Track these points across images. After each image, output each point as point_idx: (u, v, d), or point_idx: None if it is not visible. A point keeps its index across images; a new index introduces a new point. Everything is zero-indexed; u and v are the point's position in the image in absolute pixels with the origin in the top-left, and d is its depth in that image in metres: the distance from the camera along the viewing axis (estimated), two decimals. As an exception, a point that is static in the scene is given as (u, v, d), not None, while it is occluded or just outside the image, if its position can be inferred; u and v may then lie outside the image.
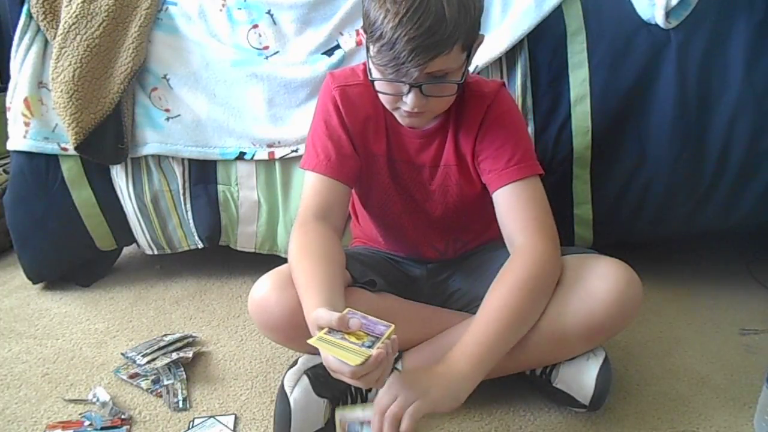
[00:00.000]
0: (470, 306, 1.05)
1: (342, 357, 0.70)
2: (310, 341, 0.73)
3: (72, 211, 1.36)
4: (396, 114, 0.94)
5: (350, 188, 1.02)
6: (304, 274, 0.86)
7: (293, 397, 0.89)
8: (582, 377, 0.93)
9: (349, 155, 1.00)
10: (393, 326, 0.75)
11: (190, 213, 1.38)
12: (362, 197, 1.12)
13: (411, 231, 1.10)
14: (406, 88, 0.86)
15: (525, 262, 0.89)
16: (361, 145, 1.02)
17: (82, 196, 1.36)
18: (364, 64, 1.02)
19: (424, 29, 0.78)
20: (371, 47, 0.85)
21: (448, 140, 1.00)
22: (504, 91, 1.01)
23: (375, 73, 0.89)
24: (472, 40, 0.87)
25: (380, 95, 0.92)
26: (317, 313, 0.76)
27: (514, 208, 0.94)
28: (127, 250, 1.57)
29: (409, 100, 0.87)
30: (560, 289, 0.90)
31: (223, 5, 1.34)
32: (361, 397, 0.94)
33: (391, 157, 1.03)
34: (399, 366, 0.97)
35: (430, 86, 0.86)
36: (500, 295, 0.87)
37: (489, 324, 0.85)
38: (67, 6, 1.31)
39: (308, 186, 1.01)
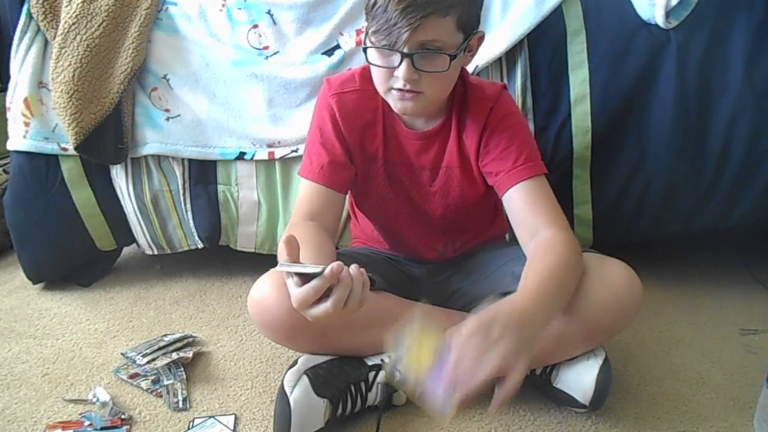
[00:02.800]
0: (470, 306, 1.05)
1: (297, 270, 0.69)
2: (273, 269, 0.72)
3: (72, 211, 1.36)
4: (390, 99, 0.93)
5: (343, 195, 1.03)
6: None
7: (293, 397, 0.89)
8: (582, 377, 0.93)
9: (342, 163, 1.00)
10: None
11: (190, 213, 1.38)
12: (358, 200, 1.12)
13: (409, 232, 1.10)
14: (397, 59, 0.85)
15: (561, 246, 0.87)
16: (358, 152, 1.02)
17: (82, 196, 1.36)
18: (362, 68, 1.03)
19: None
20: (369, 22, 0.87)
21: (450, 142, 1.00)
22: (506, 94, 1.01)
23: (368, 44, 0.89)
24: (468, 22, 0.87)
25: (374, 74, 0.92)
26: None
27: (530, 205, 0.94)
28: (127, 250, 1.57)
29: (400, 73, 0.86)
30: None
31: (223, 5, 1.34)
32: (362, 397, 0.94)
33: (388, 160, 1.03)
34: (399, 367, 0.97)
35: (422, 59, 0.85)
36: (543, 268, 0.84)
37: (536, 288, 0.80)
38: (67, 6, 1.31)
39: (301, 192, 1.02)
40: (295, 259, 0.73)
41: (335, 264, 0.68)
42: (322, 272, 0.67)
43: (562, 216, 0.94)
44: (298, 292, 0.71)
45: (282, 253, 0.75)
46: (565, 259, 0.86)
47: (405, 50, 0.84)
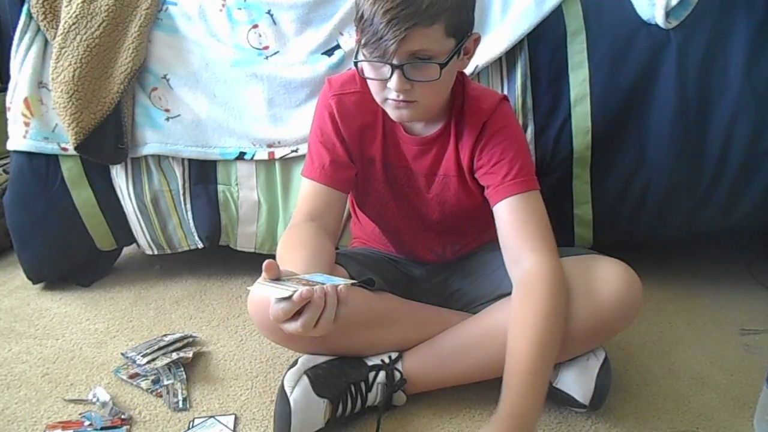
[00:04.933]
0: (470, 306, 1.05)
1: (270, 293, 0.69)
2: (250, 287, 0.72)
3: (72, 211, 1.36)
4: (387, 108, 0.93)
5: (345, 194, 1.02)
6: (284, 264, 0.86)
7: (293, 397, 0.89)
8: (582, 377, 0.93)
9: (343, 163, 1.00)
10: (349, 282, 0.72)
11: (190, 213, 1.38)
12: (358, 201, 1.12)
13: (407, 234, 1.10)
14: (388, 71, 0.85)
15: (545, 287, 0.87)
16: (357, 153, 1.02)
17: (82, 196, 1.36)
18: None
19: (399, 0, 0.80)
20: (359, 35, 0.86)
21: (448, 150, 0.99)
22: (504, 106, 0.99)
23: (360, 57, 0.88)
24: (458, 27, 0.86)
25: (370, 86, 0.92)
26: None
27: (515, 223, 0.92)
28: (127, 250, 1.57)
29: (392, 84, 0.86)
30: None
31: (223, 5, 1.34)
32: (362, 397, 0.95)
33: (387, 163, 1.03)
34: (399, 366, 0.97)
35: (412, 69, 0.85)
36: (530, 326, 0.85)
37: (528, 361, 0.83)
38: (67, 6, 1.31)
39: (302, 192, 1.02)
40: (275, 276, 0.73)
41: (304, 290, 0.67)
42: (290, 297, 0.68)
43: (548, 236, 0.92)
44: (271, 309, 0.71)
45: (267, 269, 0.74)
46: (549, 307, 0.86)
47: (395, 62, 0.84)
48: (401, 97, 0.87)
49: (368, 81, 0.91)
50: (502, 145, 0.96)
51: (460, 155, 0.99)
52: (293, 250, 0.89)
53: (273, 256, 1.44)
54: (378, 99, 0.93)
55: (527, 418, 0.80)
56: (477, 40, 0.93)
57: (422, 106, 0.90)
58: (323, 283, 0.71)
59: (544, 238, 0.92)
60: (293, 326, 0.70)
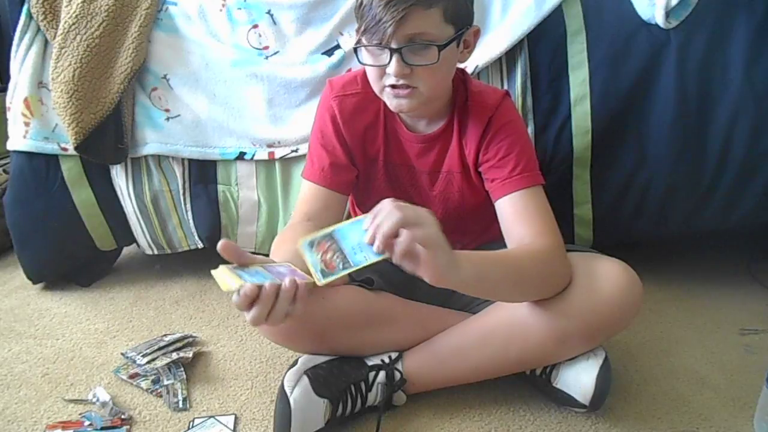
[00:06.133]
0: (470, 306, 1.05)
1: (220, 282, 0.69)
2: (213, 270, 0.72)
3: (72, 211, 1.36)
4: (386, 98, 0.93)
5: (345, 196, 1.03)
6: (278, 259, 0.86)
7: (293, 397, 0.89)
8: (582, 377, 0.93)
9: (343, 165, 1.01)
10: (311, 281, 0.72)
11: (190, 213, 1.38)
12: (358, 201, 1.12)
13: None
14: (387, 56, 0.85)
15: (536, 247, 0.88)
16: (359, 154, 1.02)
17: (82, 196, 1.36)
18: (364, 69, 1.02)
19: None
20: (358, 23, 0.87)
21: (452, 147, 1.00)
22: (507, 102, 1.00)
23: (359, 44, 0.89)
24: (456, 14, 0.87)
25: (368, 74, 0.92)
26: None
27: (521, 216, 0.93)
28: (127, 250, 1.57)
29: (391, 69, 0.86)
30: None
31: (223, 5, 1.34)
32: (362, 397, 0.94)
33: (388, 161, 1.03)
34: (399, 366, 0.97)
35: (411, 53, 0.85)
36: (504, 252, 0.87)
37: (497, 258, 0.84)
38: (67, 6, 1.31)
39: (302, 193, 1.02)
40: (233, 258, 0.73)
41: (248, 287, 0.67)
42: (237, 291, 0.68)
43: (553, 228, 0.92)
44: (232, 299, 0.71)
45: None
46: (533, 254, 0.87)
47: (393, 45, 0.84)
48: (401, 82, 0.87)
49: (367, 69, 0.91)
50: (509, 140, 0.96)
51: (465, 151, 0.99)
52: (286, 244, 0.90)
53: (273, 256, 1.44)
54: (377, 88, 0.92)
55: (460, 265, 0.78)
56: (477, 33, 0.93)
57: (422, 95, 0.90)
58: (285, 276, 0.70)
59: (550, 227, 0.92)
60: (247, 317, 0.70)
